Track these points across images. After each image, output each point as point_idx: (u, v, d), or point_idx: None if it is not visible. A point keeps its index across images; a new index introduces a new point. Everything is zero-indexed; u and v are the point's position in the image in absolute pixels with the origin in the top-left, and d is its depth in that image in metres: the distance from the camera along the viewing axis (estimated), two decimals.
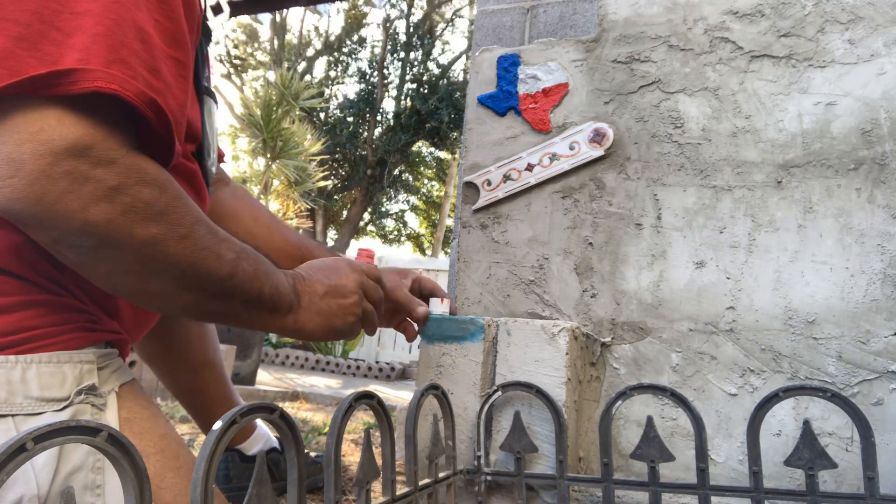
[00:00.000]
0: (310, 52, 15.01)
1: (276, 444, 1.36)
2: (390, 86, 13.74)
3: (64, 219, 0.54)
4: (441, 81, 13.08)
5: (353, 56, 14.75)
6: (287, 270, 0.79)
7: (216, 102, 0.94)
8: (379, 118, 13.45)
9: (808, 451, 0.79)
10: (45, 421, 0.62)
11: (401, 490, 0.71)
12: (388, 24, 13.79)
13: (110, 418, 0.69)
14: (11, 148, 0.53)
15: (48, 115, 0.54)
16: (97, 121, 0.56)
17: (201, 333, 1.19)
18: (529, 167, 1.13)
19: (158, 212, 0.59)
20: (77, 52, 0.54)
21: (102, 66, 0.54)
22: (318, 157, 6.53)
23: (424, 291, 1.09)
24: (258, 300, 0.71)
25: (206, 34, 0.85)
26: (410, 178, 15.61)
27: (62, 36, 0.54)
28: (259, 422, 1.34)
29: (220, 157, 1.12)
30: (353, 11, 14.54)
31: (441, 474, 0.84)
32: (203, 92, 0.82)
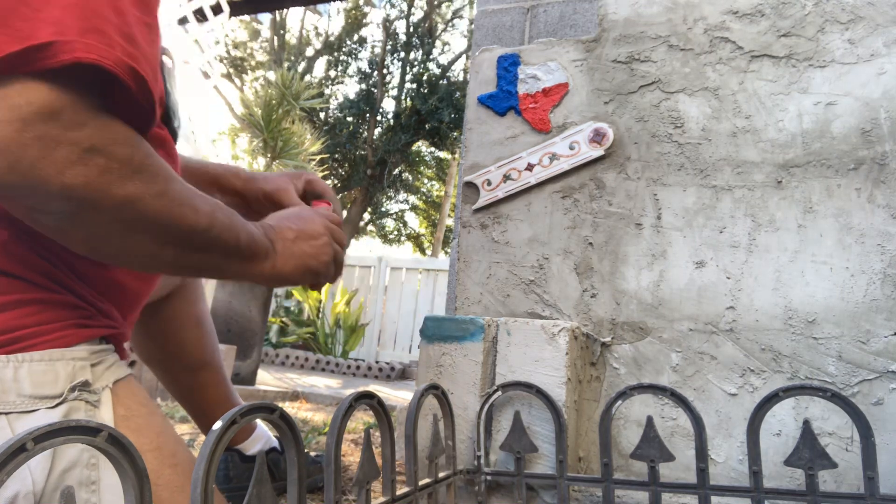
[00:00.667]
0: (310, 52, 15.02)
1: (276, 444, 1.36)
2: (390, 86, 13.74)
3: (40, 185, 0.54)
4: (441, 81, 13.09)
5: (353, 56, 14.76)
6: (255, 222, 0.80)
7: (171, 60, 0.94)
8: (379, 118, 13.45)
9: (808, 451, 0.79)
10: (38, 418, 0.63)
11: (401, 490, 0.71)
12: (388, 24, 13.79)
13: (105, 415, 0.69)
14: None
15: (17, 85, 0.54)
16: (66, 87, 0.55)
17: (200, 334, 1.19)
18: (529, 167, 1.13)
19: (134, 170, 0.59)
20: (50, 25, 0.54)
21: (78, 35, 0.55)
22: (318, 157, 6.53)
23: (315, 192, 1.08)
24: (236, 249, 0.72)
25: None
26: (410, 178, 15.61)
27: (31, 11, 0.54)
28: (259, 422, 1.34)
29: None
30: (353, 11, 14.54)
31: (441, 474, 0.84)
32: (160, 52, 0.82)
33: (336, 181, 13.22)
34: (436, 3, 14.04)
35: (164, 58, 0.86)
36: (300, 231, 0.83)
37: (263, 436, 1.36)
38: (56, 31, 0.54)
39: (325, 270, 0.84)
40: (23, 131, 0.53)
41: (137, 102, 0.62)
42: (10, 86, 0.54)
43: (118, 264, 0.71)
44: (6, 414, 0.62)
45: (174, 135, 0.85)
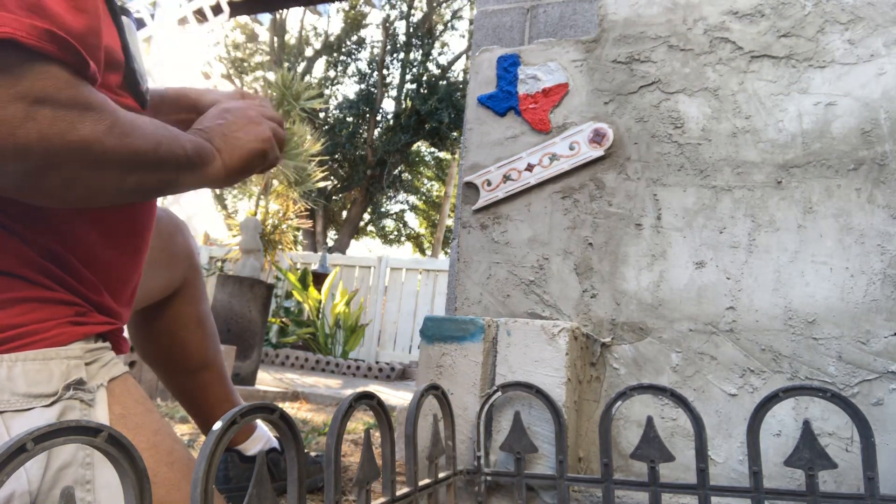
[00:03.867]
0: (309, 52, 15.02)
1: (276, 444, 1.36)
2: (390, 86, 13.75)
3: None
4: (441, 82, 13.09)
5: (353, 56, 14.76)
6: (192, 130, 0.81)
7: (134, 21, 0.93)
8: (379, 118, 13.45)
9: (808, 452, 0.79)
10: (33, 417, 0.63)
11: (401, 490, 0.71)
12: (387, 25, 13.80)
13: (100, 414, 0.69)
14: None
15: None
16: None
17: (202, 335, 1.19)
18: (529, 167, 1.13)
19: (81, 110, 0.59)
20: None
21: None
22: (318, 158, 6.53)
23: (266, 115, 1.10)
24: (186, 159, 0.73)
25: None
26: (410, 179, 15.62)
27: None
28: (259, 422, 1.34)
29: None
30: (353, 12, 14.55)
31: (441, 474, 0.84)
32: (118, 13, 0.81)
33: (336, 181, 13.22)
34: (436, 3, 14.04)
35: (124, 18, 0.84)
36: (231, 122, 0.84)
37: (263, 436, 1.36)
38: None
39: (269, 148, 0.85)
40: None
41: (70, 52, 0.61)
42: None
43: (90, 204, 0.71)
44: (1, 413, 0.62)
45: (142, 100, 0.84)
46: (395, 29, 14.02)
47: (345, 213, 14.15)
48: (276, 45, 14.68)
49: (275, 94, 6.09)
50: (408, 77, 13.68)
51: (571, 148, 1.12)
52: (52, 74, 0.58)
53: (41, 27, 0.58)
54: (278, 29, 14.71)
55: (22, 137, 0.55)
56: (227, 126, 0.83)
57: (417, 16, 14.13)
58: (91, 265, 0.75)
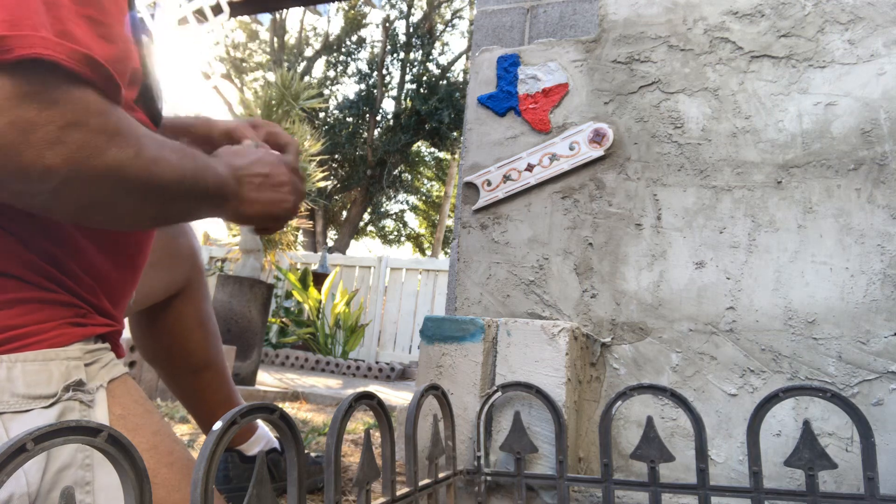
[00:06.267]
0: (309, 52, 15.02)
1: (277, 445, 1.36)
2: (390, 86, 13.74)
3: (21, 171, 0.55)
4: (441, 82, 13.09)
5: (353, 56, 14.76)
6: (220, 160, 0.82)
7: (151, 37, 0.94)
8: (379, 118, 13.45)
9: (808, 452, 0.79)
10: (32, 418, 0.63)
11: (401, 490, 0.71)
12: (387, 25, 13.79)
13: (99, 415, 0.69)
14: None
15: None
16: (30, 72, 0.56)
17: (204, 335, 1.19)
18: (529, 167, 1.13)
19: (109, 137, 0.60)
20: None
21: (30, 30, 0.55)
22: (318, 158, 6.53)
23: (280, 144, 1.10)
24: (205, 194, 0.74)
25: None
26: (410, 179, 15.61)
27: None
28: (261, 423, 1.34)
29: None
30: (353, 12, 14.54)
31: (441, 475, 0.84)
32: (140, 31, 0.82)
33: (336, 181, 13.23)
34: (436, 3, 14.04)
35: (144, 37, 0.85)
36: (267, 176, 0.85)
37: (264, 437, 1.36)
38: (8, 26, 0.54)
39: (284, 216, 0.86)
40: None
41: (100, 80, 0.62)
42: None
43: (108, 227, 0.73)
44: (0, 414, 0.62)
45: (157, 117, 0.85)
46: (395, 29, 14.02)
47: (345, 214, 14.15)
48: (276, 45, 14.68)
49: (274, 93, 6.09)
50: (408, 77, 13.69)
51: (571, 148, 1.12)
52: (86, 99, 0.59)
53: (80, 51, 0.59)
54: (278, 29, 14.71)
55: (49, 159, 0.56)
56: (262, 178, 0.84)
57: (417, 15, 14.13)
58: (89, 273, 0.75)
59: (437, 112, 12.15)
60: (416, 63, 13.78)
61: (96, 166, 0.59)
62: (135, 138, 0.63)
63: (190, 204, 0.73)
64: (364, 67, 14.59)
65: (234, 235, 6.30)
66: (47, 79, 0.57)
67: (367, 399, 0.68)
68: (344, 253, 10.77)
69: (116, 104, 0.63)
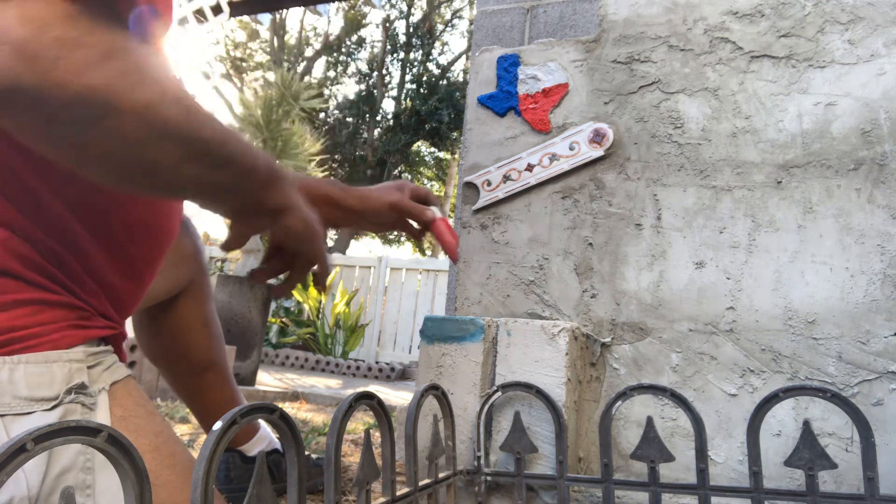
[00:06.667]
0: (309, 52, 15.01)
1: (278, 446, 1.36)
2: (390, 86, 13.74)
3: (59, 87, 0.53)
4: (441, 82, 13.09)
5: (353, 56, 14.76)
6: None
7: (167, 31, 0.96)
8: (379, 118, 13.45)
9: (808, 452, 0.79)
10: (34, 421, 0.62)
11: (401, 490, 0.71)
12: (387, 25, 13.79)
13: (101, 417, 0.69)
14: None
15: None
16: None
17: (207, 335, 1.19)
18: (529, 167, 1.13)
19: (153, 75, 0.59)
20: None
21: None
22: (318, 158, 6.53)
23: (420, 198, 1.11)
24: (253, 169, 0.70)
25: None
26: (410, 178, 15.61)
27: None
28: (263, 424, 1.34)
29: None
30: (353, 12, 14.54)
31: (441, 474, 0.84)
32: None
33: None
34: (436, 3, 14.03)
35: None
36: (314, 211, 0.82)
37: (266, 438, 1.36)
38: None
39: (317, 244, 0.81)
40: (42, 32, 0.53)
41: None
42: None
43: (137, 190, 0.68)
44: (1, 416, 0.62)
45: None
46: (395, 29, 14.01)
47: None
48: (276, 45, 14.67)
49: (274, 93, 6.08)
50: (408, 77, 13.68)
51: (571, 148, 1.12)
52: (126, 36, 0.59)
53: None
54: (278, 29, 14.70)
55: (89, 79, 0.54)
56: (306, 205, 0.80)
57: (417, 15, 14.12)
58: (93, 277, 0.75)
59: (437, 112, 12.15)
60: (416, 63, 13.78)
61: (137, 98, 0.57)
62: (175, 84, 0.62)
63: (235, 175, 0.69)
64: (364, 67, 14.58)
65: None
66: (92, 5, 0.56)
67: (367, 399, 0.68)
68: (344, 253, 10.77)
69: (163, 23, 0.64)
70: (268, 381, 4.30)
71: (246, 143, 0.70)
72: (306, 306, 6.51)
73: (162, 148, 0.60)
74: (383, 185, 1.13)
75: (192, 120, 0.62)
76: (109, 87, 0.55)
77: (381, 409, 0.70)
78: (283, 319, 6.53)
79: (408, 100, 13.21)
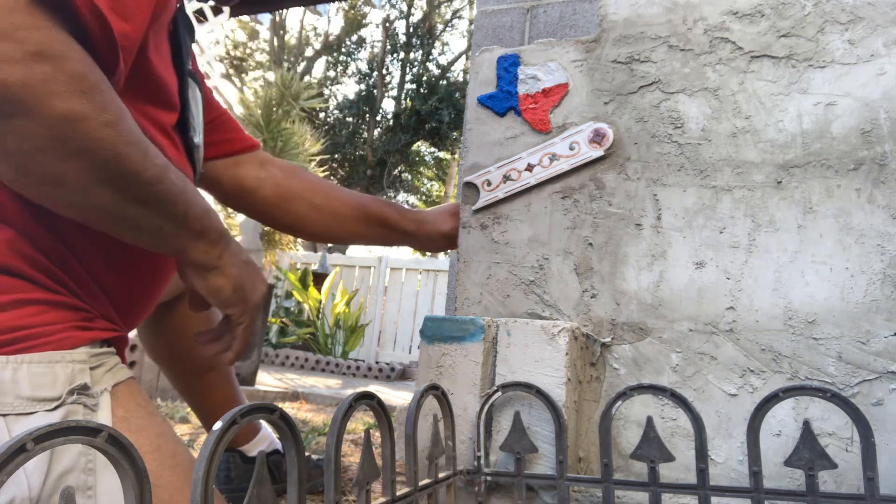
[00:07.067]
0: (309, 52, 15.01)
1: (279, 447, 1.36)
2: (390, 86, 13.74)
3: None
4: (441, 82, 13.08)
5: (353, 56, 14.76)
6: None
7: (200, 89, 0.95)
8: (379, 118, 13.45)
9: (808, 452, 0.79)
10: (36, 421, 0.62)
11: (401, 490, 0.71)
12: (387, 25, 13.79)
13: (103, 418, 0.69)
14: None
15: None
16: None
17: None
18: (529, 167, 1.13)
19: (84, 89, 0.55)
20: None
21: None
22: (318, 157, 6.53)
23: None
24: (184, 218, 0.68)
25: (187, 27, 0.88)
26: (410, 178, 15.61)
27: None
28: (264, 425, 1.34)
29: (257, 146, 1.16)
30: (353, 12, 14.54)
31: (441, 475, 0.84)
32: (186, 74, 0.83)
33: (336, 181, 13.22)
34: (436, 3, 14.03)
35: (192, 81, 0.87)
36: (251, 263, 0.81)
37: (267, 438, 1.36)
38: None
39: (258, 300, 0.80)
40: None
41: (102, 45, 0.59)
42: None
43: (43, 200, 0.64)
44: (4, 416, 0.62)
45: (189, 146, 0.85)
46: (395, 29, 14.01)
47: None
48: (276, 45, 14.66)
49: (274, 93, 6.08)
50: (408, 77, 13.68)
51: (571, 148, 1.12)
52: (72, 44, 0.55)
53: (94, 2, 0.55)
54: (278, 29, 14.70)
55: (4, 73, 0.51)
56: (245, 256, 0.79)
57: (417, 15, 14.12)
58: (96, 280, 0.75)
59: (437, 112, 12.14)
60: (416, 63, 13.77)
61: (56, 107, 0.54)
62: (115, 111, 0.58)
63: (159, 217, 0.65)
64: (364, 67, 14.58)
65: (234, 235, 6.30)
66: (38, 4, 0.53)
67: (367, 399, 0.68)
68: (344, 253, 10.76)
69: (108, 72, 0.60)
70: (268, 381, 4.30)
71: (185, 190, 0.68)
72: (306, 306, 6.51)
73: (73, 165, 0.57)
74: (439, 210, 1.17)
75: (119, 147, 0.58)
76: (25, 88, 0.52)
77: (381, 409, 0.70)
78: (283, 319, 6.53)
79: (408, 100, 13.21)
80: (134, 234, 0.69)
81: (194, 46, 0.95)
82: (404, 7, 13.79)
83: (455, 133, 12.35)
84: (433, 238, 1.16)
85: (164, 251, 0.73)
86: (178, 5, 0.82)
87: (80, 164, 0.58)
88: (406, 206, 1.23)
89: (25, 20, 0.52)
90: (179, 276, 0.77)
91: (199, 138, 0.90)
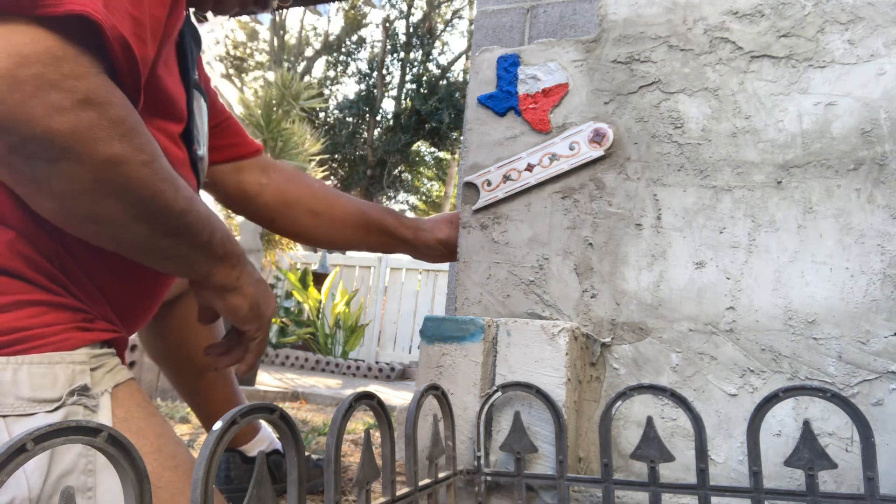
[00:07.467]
0: (309, 52, 15.01)
1: (279, 447, 1.36)
2: (390, 86, 13.74)
3: (24, 123, 0.53)
4: (441, 82, 13.08)
5: (353, 56, 14.76)
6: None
7: (205, 100, 0.97)
8: (378, 118, 13.45)
9: (808, 452, 0.79)
10: (36, 422, 0.62)
11: (401, 490, 0.71)
12: (387, 25, 13.79)
13: (103, 419, 0.69)
14: None
15: (22, 26, 0.54)
16: (71, 38, 0.55)
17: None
18: (529, 167, 1.13)
19: (124, 133, 0.58)
20: None
21: None
22: (318, 157, 6.53)
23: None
24: (209, 244, 0.72)
25: (193, 37, 0.90)
26: (410, 178, 15.60)
27: None
28: (264, 425, 1.34)
29: (260, 150, 1.19)
30: (353, 12, 14.54)
31: (441, 474, 0.84)
32: (192, 86, 0.84)
33: (336, 181, 13.22)
34: (436, 3, 14.03)
35: (197, 93, 0.88)
36: (262, 279, 0.85)
37: (267, 438, 1.36)
38: None
39: (269, 315, 0.85)
40: (21, 67, 0.53)
41: (127, 74, 0.62)
42: (14, 25, 0.54)
43: (83, 235, 0.68)
44: (4, 417, 0.62)
45: (194, 160, 0.86)
46: (395, 29, 14.01)
47: None
48: (276, 45, 14.66)
49: (274, 93, 6.08)
50: (408, 77, 13.68)
51: (571, 148, 1.12)
52: (110, 87, 0.58)
53: (120, 32, 0.58)
54: (278, 29, 14.70)
55: (56, 124, 0.54)
56: (259, 276, 0.84)
57: (417, 15, 14.12)
58: (97, 284, 0.75)
59: (437, 112, 12.14)
60: (416, 63, 13.78)
61: (101, 152, 0.57)
62: (150, 149, 0.62)
63: (185, 246, 0.70)
64: (364, 67, 14.58)
65: (235, 236, 6.30)
66: (82, 50, 0.56)
67: (367, 399, 0.68)
68: (344, 253, 10.77)
69: (132, 98, 0.63)
70: (268, 381, 4.30)
71: (208, 217, 0.72)
72: (306, 306, 6.51)
73: (115, 204, 0.61)
74: (437, 218, 1.20)
75: (155, 185, 0.62)
76: (74, 136, 0.55)
77: (381, 409, 0.70)
78: (283, 319, 6.53)
79: (408, 100, 13.21)
80: (165, 264, 0.73)
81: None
82: (404, 7, 13.79)
83: (455, 133, 12.35)
84: (430, 245, 1.18)
85: (190, 277, 0.78)
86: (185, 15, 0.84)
87: (121, 203, 0.61)
88: (406, 211, 1.24)
89: (74, 69, 0.55)
90: (195, 297, 0.82)
91: (202, 150, 0.92)
